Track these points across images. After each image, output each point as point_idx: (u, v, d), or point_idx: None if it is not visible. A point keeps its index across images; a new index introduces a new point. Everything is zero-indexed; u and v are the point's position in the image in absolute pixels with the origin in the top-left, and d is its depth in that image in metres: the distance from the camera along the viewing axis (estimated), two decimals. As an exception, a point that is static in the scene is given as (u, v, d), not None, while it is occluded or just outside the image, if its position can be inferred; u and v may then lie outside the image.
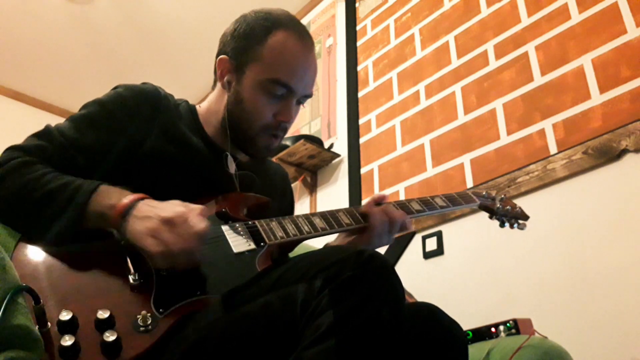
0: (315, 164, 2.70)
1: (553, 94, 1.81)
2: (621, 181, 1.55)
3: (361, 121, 2.60)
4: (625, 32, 1.68)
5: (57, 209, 0.83)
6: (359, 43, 2.85)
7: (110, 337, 0.69)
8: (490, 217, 1.33)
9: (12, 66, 3.82)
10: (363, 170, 2.47)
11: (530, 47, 1.95)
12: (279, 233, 0.95)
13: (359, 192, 2.43)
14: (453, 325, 0.90)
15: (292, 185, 2.88)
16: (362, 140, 2.55)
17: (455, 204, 1.23)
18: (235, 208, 1.00)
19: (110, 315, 0.72)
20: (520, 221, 1.34)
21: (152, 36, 3.62)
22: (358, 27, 2.90)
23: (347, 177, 2.55)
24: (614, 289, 1.46)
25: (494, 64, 2.06)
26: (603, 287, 1.49)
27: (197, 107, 1.12)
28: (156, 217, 0.81)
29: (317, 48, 3.16)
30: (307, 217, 1.00)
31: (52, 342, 0.68)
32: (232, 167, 1.08)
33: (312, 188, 2.72)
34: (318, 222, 1.00)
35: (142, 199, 0.84)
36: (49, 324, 0.69)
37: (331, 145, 2.70)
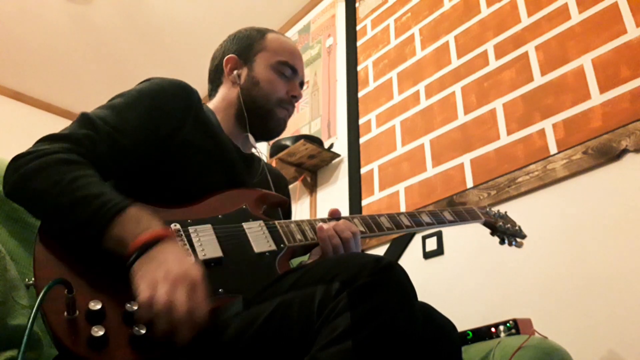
0: (315, 164, 2.70)
1: (553, 94, 1.81)
2: (621, 181, 1.55)
3: (361, 121, 2.60)
4: (625, 32, 1.68)
5: (79, 221, 0.79)
6: (359, 43, 2.85)
7: (140, 330, 0.70)
8: (492, 234, 1.38)
9: (12, 66, 3.82)
10: (363, 170, 2.47)
11: (530, 47, 1.95)
12: (298, 236, 0.97)
13: (359, 192, 2.43)
14: (446, 323, 0.92)
15: (292, 185, 2.90)
16: (362, 140, 2.55)
17: (462, 219, 1.27)
18: (256, 205, 1.02)
19: (138, 309, 0.72)
20: (518, 239, 1.41)
21: (151, 36, 3.62)
22: (358, 27, 2.90)
23: (347, 177, 2.55)
24: (614, 289, 1.46)
25: (494, 64, 2.06)
26: (603, 287, 1.49)
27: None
28: (163, 268, 0.73)
29: (317, 48, 3.16)
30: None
31: (78, 330, 0.69)
32: (253, 144, 1.16)
33: (312, 188, 2.72)
34: None
35: (164, 237, 0.78)
36: (77, 311, 0.69)
37: (331, 145, 2.70)
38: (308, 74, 3.14)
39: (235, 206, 0.98)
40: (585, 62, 1.76)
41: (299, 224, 1.00)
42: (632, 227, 1.48)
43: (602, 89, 1.68)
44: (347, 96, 2.75)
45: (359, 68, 2.77)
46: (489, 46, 2.11)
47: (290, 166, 2.64)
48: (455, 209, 1.27)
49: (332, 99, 2.87)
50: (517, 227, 1.42)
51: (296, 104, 1.21)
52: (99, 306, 0.70)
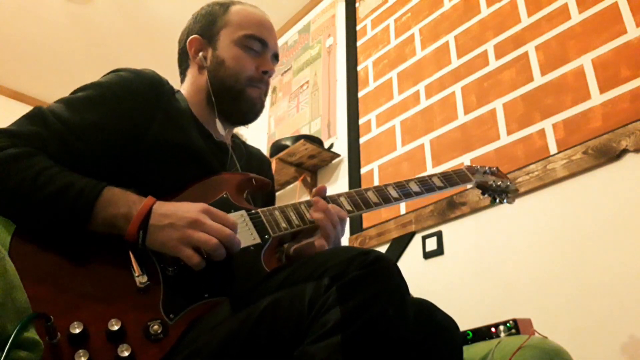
0: (315, 164, 2.70)
1: (553, 94, 1.81)
2: (621, 181, 1.55)
3: (361, 121, 2.60)
4: (625, 32, 1.68)
5: (59, 214, 0.78)
6: (359, 43, 2.85)
7: (125, 352, 0.69)
8: (482, 194, 1.33)
9: (12, 66, 3.82)
10: (363, 170, 2.47)
11: (530, 47, 1.95)
12: (283, 224, 0.93)
13: (359, 192, 2.43)
14: (447, 320, 0.91)
15: (292, 185, 2.89)
16: (362, 140, 2.55)
17: (452, 183, 1.21)
18: (237, 192, 0.97)
19: (122, 327, 0.71)
20: (510, 195, 1.34)
21: (151, 36, 3.62)
22: (358, 27, 2.90)
23: (347, 177, 2.55)
24: (614, 289, 1.46)
25: (494, 64, 2.06)
26: (603, 287, 1.49)
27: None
28: (180, 221, 0.78)
29: (317, 48, 3.16)
30: (310, 204, 0.98)
31: (62, 355, 0.67)
32: (220, 131, 1.08)
33: (312, 188, 2.72)
34: None
35: (153, 204, 0.81)
36: (58, 334, 0.67)
37: (331, 145, 2.70)
38: (308, 74, 3.14)
39: (216, 195, 0.93)
40: (585, 62, 1.76)
41: (283, 210, 0.95)
42: (632, 227, 1.48)
43: (602, 89, 1.68)
44: (347, 96, 2.75)
45: (359, 68, 2.77)
46: (489, 46, 2.11)
47: (290, 166, 2.64)
48: (444, 173, 1.22)
49: (332, 99, 2.87)
50: (508, 183, 1.35)
51: (269, 80, 1.11)
52: (79, 329, 0.68)
